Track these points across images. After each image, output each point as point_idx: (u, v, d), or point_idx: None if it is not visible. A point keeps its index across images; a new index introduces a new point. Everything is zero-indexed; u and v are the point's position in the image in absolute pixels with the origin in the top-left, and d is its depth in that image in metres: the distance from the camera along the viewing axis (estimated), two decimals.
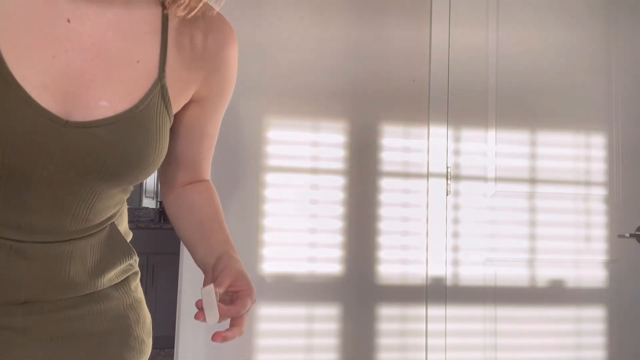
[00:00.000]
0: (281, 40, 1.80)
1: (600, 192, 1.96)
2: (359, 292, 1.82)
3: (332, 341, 1.80)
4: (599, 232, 1.94)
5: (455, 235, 1.87)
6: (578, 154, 1.95)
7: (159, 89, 0.66)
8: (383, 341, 1.82)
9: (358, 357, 1.81)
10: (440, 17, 1.90)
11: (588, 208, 1.95)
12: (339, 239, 1.81)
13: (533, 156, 1.93)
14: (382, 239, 1.83)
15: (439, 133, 1.88)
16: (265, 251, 1.77)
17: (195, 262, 0.77)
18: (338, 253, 1.81)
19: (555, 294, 1.91)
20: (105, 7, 0.63)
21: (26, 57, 0.57)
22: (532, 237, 1.91)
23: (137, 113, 0.63)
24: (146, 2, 0.67)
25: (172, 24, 0.69)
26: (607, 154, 1.97)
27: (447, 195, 1.87)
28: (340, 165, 1.82)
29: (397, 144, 1.86)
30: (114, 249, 0.73)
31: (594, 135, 1.97)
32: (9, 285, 0.64)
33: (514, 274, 1.89)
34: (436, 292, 1.84)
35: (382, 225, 1.84)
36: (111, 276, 0.73)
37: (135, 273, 0.79)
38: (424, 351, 1.83)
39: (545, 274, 1.91)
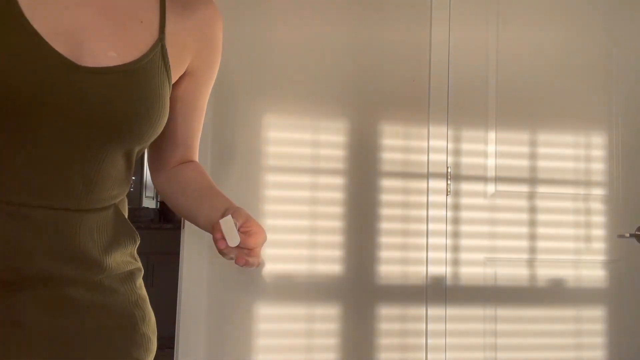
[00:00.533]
0: (281, 40, 1.80)
1: (600, 192, 1.96)
2: (359, 292, 1.82)
3: (332, 341, 1.80)
4: (599, 232, 1.94)
5: (455, 235, 1.87)
6: (578, 154, 1.95)
7: (160, 49, 0.72)
8: (383, 341, 1.82)
9: (358, 357, 1.81)
10: (440, 17, 1.90)
11: (588, 208, 1.95)
12: (339, 239, 1.81)
13: (533, 156, 1.93)
14: (382, 239, 1.83)
15: (439, 133, 1.88)
16: (265, 251, 1.77)
17: (200, 226, 0.81)
18: (338, 253, 1.81)
19: (555, 294, 1.91)
20: None
21: (40, 7, 0.63)
22: (532, 237, 1.91)
23: (142, 65, 0.68)
24: None
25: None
26: (607, 154, 1.97)
27: (447, 195, 1.87)
28: (340, 165, 1.82)
29: (397, 144, 1.86)
30: (119, 229, 0.75)
31: (594, 135, 1.97)
32: (20, 253, 0.64)
33: (514, 274, 1.89)
34: (436, 292, 1.84)
35: (382, 225, 1.84)
36: (118, 260, 0.74)
37: (139, 269, 0.80)
38: (424, 351, 1.83)
39: (545, 274, 1.91)
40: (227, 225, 0.69)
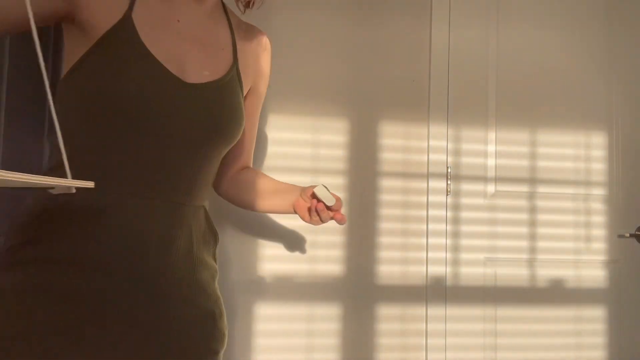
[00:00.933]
0: (281, 40, 1.80)
1: (600, 192, 1.96)
2: (359, 292, 1.82)
3: (332, 341, 1.80)
4: (599, 232, 1.94)
5: (455, 235, 1.87)
6: (578, 154, 1.95)
7: (235, 69, 0.93)
8: (383, 341, 1.82)
9: (358, 357, 1.81)
10: (440, 17, 1.90)
11: (588, 208, 1.95)
12: (339, 239, 1.81)
13: (533, 156, 1.93)
14: (382, 239, 1.83)
15: (439, 133, 1.88)
16: (266, 251, 1.77)
17: (273, 211, 1.06)
18: (338, 253, 1.81)
19: (555, 294, 1.91)
20: (199, 11, 0.90)
21: (156, 42, 0.82)
22: (532, 237, 1.91)
23: (226, 81, 0.89)
24: (216, 6, 0.96)
25: (232, 22, 0.99)
26: (607, 154, 1.97)
27: (447, 195, 1.87)
28: (340, 165, 1.82)
29: (397, 144, 1.86)
30: (208, 229, 0.92)
31: (594, 135, 1.97)
32: (140, 242, 0.79)
33: (514, 274, 1.89)
34: (436, 292, 1.84)
35: (382, 225, 1.84)
36: (206, 258, 0.90)
37: (217, 270, 0.96)
38: (424, 351, 1.83)
39: (545, 274, 1.91)
40: (322, 191, 0.92)
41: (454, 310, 1.85)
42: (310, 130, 1.82)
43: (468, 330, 1.86)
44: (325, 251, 1.80)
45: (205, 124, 0.85)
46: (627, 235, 1.93)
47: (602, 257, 1.94)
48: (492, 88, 1.93)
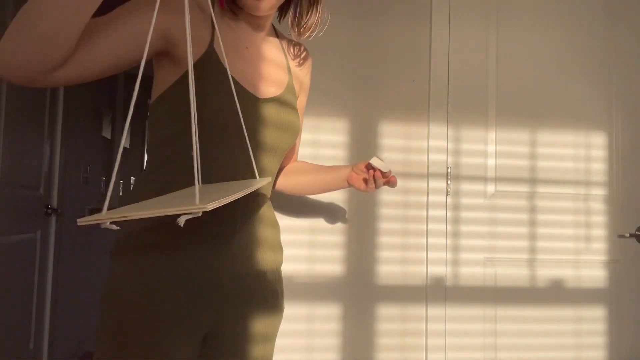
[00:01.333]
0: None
1: (600, 192, 1.96)
2: (359, 292, 1.82)
3: (332, 341, 1.80)
4: (599, 232, 1.94)
5: (455, 235, 1.87)
6: (578, 154, 1.95)
7: (291, 86, 1.13)
8: (383, 341, 1.82)
9: (358, 357, 1.81)
10: (440, 17, 1.90)
11: (588, 208, 1.95)
12: (339, 239, 1.81)
13: (533, 156, 1.93)
14: (382, 239, 1.83)
15: (439, 133, 1.88)
16: None
17: (332, 189, 1.29)
18: (338, 253, 1.81)
19: (555, 294, 1.91)
20: (259, 37, 1.10)
21: (233, 65, 1.02)
22: (532, 237, 1.91)
23: (287, 96, 1.10)
24: (270, 30, 1.14)
25: (284, 45, 1.18)
26: (607, 154, 1.97)
27: (447, 195, 1.87)
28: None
29: (397, 144, 1.86)
30: (271, 215, 1.12)
31: (594, 135, 1.97)
32: (229, 227, 1.01)
33: (514, 274, 1.89)
34: (436, 292, 1.84)
35: (382, 225, 1.84)
36: (275, 239, 1.12)
37: (281, 258, 1.16)
38: (424, 351, 1.83)
39: (545, 274, 1.91)
40: (377, 161, 1.10)
41: (454, 310, 1.85)
42: (311, 130, 1.82)
43: (468, 330, 1.86)
44: (325, 251, 1.80)
45: (276, 130, 1.06)
46: (627, 235, 1.93)
47: (602, 257, 1.94)
48: (492, 88, 1.93)
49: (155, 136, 1.02)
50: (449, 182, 1.88)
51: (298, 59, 1.21)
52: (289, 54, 1.19)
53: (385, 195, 1.85)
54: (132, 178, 5.03)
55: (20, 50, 0.75)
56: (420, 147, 1.87)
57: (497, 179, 1.91)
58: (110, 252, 1.00)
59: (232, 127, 0.99)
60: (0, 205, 2.32)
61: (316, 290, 1.80)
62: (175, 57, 0.98)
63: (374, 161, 1.10)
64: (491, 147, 1.92)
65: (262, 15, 1.05)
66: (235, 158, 1.01)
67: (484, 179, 1.90)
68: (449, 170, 1.88)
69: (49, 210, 2.83)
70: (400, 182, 1.86)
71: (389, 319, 1.83)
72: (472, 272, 1.87)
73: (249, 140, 1.02)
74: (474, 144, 1.90)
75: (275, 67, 1.11)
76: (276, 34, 1.19)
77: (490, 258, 1.89)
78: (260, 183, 0.91)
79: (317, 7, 1.14)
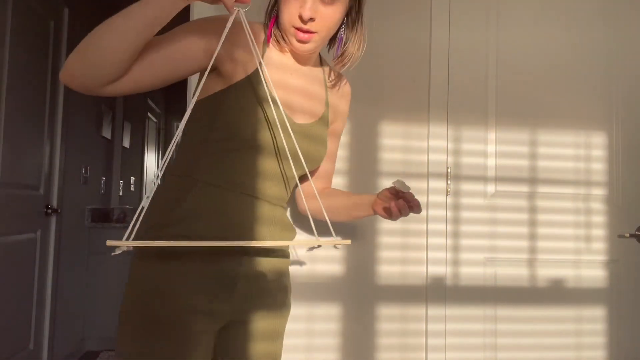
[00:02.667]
0: None
1: (600, 192, 1.96)
2: (359, 292, 1.82)
3: (332, 341, 1.80)
4: (599, 232, 1.94)
5: (455, 235, 1.87)
6: (578, 154, 1.95)
7: (325, 117, 1.23)
8: (383, 341, 1.82)
9: (358, 357, 1.81)
10: (440, 17, 1.90)
11: (588, 208, 1.95)
12: (339, 239, 1.81)
13: (533, 156, 1.93)
14: (382, 239, 1.83)
15: (439, 133, 1.88)
16: None
17: (358, 219, 1.34)
18: (338, 253, 1.81)
19: (555, 294, 1.91)
20: (303, 69, 1.19)
21: (276, 89, 1.12)
22: (532, 237, 1.91)
23: (319, 124, 1.21)
24: (315, 62, 1.23)
25: (326, 78, 1.26)
26: (607, 154, 1.97)
27: (447, 195, 1.87)
28: (340, 165, 1.82)
29: (397, 144, 1.86)
30: (288, 221, 1.20)
31: (594, 135, 1.97)
32: (250, 227, 1.10)
33: (514, 274, 1.90)
34: (436, 292, 1.84)
35: (382, 225, 1.84)
36: (286, 239, 1.19)
37: (289, 256, 1.26)
38: (424, 351, 1.83)
39: (545, 274, 1.91)
40: (401, 183, 1.11)
41: (454, 310, 1.85)
42: None
43: (468, 330, 1.86)
44: (325, 251, 1.80)
45: (305, 151, 1.15)
46: (627, 235, 1.93)
47: (602, 257, 1.94)
48: (492, 88, 1.93)
49: (190, 135, 1.12)
50: (449, 182, 1.88)
51: (337, 88, 1.30)
52: (328, 83, 1.27)
53: None
54: (132, 178, 5.02)
55: (85, 65, 0.91)
56: (420, 147, 1.87)
57: (497, 179, 1.91)
58: (134, 252, 1.09)
59: (264, 142, 1.08)
60: (0, 205, 2.32)
61: (316, 290, 1.80)
62: (222, 72, 1.09)
63: (397, 182, 1.11)
64: (491, 147, 1.92)
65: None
66: (261, 169, 1.12)
67: (484, 179, 1.90)
68: (449, 170, 1.88)
69: (49, 210, 2.83)
70: None
71: (389, 319, 1.83)
72: (472, 272, 1.87)
73: (283, 156, 1.13)
74: (474, 144, 1.90)
75: (312, 99, 1.21)
76: (321, 61, 1.27)
77: (490, 258, 1.89)
78: (278, 244, 1.03)
79: (358, 38, 1.21)
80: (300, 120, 1.17)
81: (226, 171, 1.09)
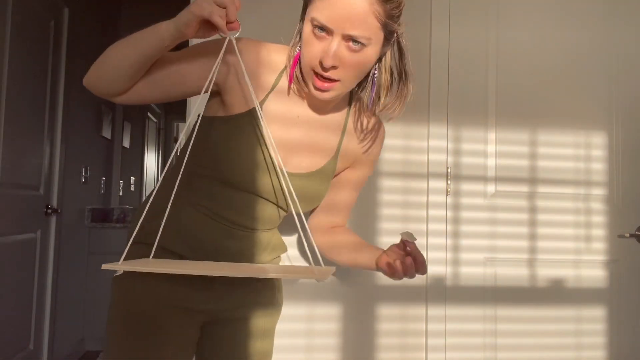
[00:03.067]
0: (281, 40, 1.80)
1: (600, 192, 1.96)
2: (359, 292, 1.82)
3: (332, 341, 1.80)
4: (599, 232, 1.94)
5: (455, 235, 1.87)
6: (578, 154, 1.95)
7: (332, 164, 1.13)
8: (383, 341, 1.82)
9: (358, 357, 1.81)
10: (440, 17, 1.90)
11: (588, 208, 1.95)
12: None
13: (533, 156, 1.93)
14: (382, 239, 1.83)
15: (439, 133, 1.88)
16: None
17: (359, 267, 1.20)
18: None
19: (555, 294, 1.91)
20: (317, 114, 1.10)
21: (274, 130, 1.05)
22: (532, 237, 1.91)
23: (317, 174, 1.11)
24: (340, 106, 1.12)
25: (349, 124, 1.15)
26: (607, 154, 1.97)
27: (447, 195, 1.87)
28: None
29: (397, 144, 1.86)
30: (275, 241, 1.19)
31: (594, 135, 1.97)
32: (230, 254, 1.09)
33: (514, 274, 1.89)
34: (436, 292, 1.84)
35: (382, 225, 1.84)
36: (269, 259, 1.18)
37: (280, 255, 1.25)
38: (424, 351, 1.83)
39: (545, 274, 1.91)
40: (408, 234, 1.03)
41: (454, 310, 1.85)
42: None
43: (468, 330, 1.86)
44: None
45: (298, 197, 1.06)
46: (627, 235, 1.93)
47: (602, 257, 1.94)
48: (492, 88, 1.93)
49: (187, 146, 1.12)
50: (449, 182, 1.88)
51: (363, 134, 1.16)
52: (352, 122, 1.15)
53: (386, 195, 1.85)
54: (132, 178, 5.02)
55: (98, 77, 1.00)
56: (420, 147, 1.87)
57: (497, 179, 1.91)
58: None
59: (247, 186, 1.05)
60: (0, 205, 2.32)
61: (316, 290, 1.80)
62: (224, 101, 1.06)
63: (405, 234, 1.03)
64: (491, 147, 1.92)
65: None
66: (248, 206, 1.08)
67: (484, 179, 1.90)
68: (449, 170, 1.88)
69: (49, 210, 2.83)
70: (400, 182, 1.86)
71: (389, 319, 1.83)
72: (472, 272, 1.87)
73: (262, 199, 1.08)
74: (474, 144, 1.90)
75: (319, 145, 1.11)
76: (350, 99, 1.14)
77: (490, 258, 1.89)
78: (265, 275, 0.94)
79: (398, 91, 1.09)
80: (296, 169, 1.09)
81: (211, 203, 1.07)
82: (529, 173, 1.93)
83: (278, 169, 1.03)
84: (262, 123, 1.01)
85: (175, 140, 6.59)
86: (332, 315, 1.80)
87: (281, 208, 1.12)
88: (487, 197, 1.90)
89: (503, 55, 1.93)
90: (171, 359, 1.07)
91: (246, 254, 1.12)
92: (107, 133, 4.04)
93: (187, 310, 1.08)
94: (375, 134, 1.19)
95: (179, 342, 1.08)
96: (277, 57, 1.06)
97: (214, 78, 0.95)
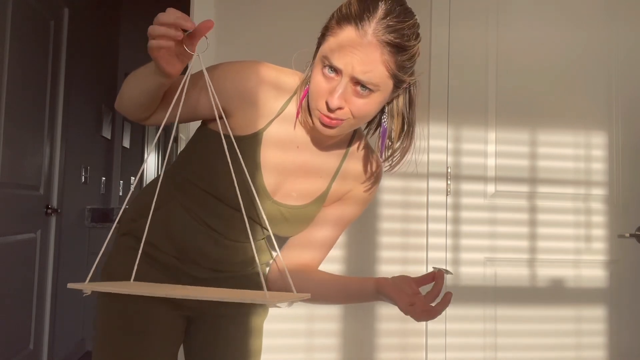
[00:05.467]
0: (282, 41, 1.80)
1: (600, 192, 1.96)
2: None
3: (332, 341, 1.80)
4: (599, 232, 1.94)
5: (455, 235, 1.87)
6: (578, 154, 1.95)
7: (323, 197, 1.11)
8: (383, 341, 1.82)
9: (358, 357, 1.81)
10: (440, 17, 1.90)
11: (588, 208, 1.95)
12: (339, 238, 1.81)
13: (533, 156, 1.93)
14: (382, 239, 1.83)
15: (439, 133, 1.88)
16: None
17: (346, 301, 1.24)
18: (338, 253, 1.81)
19: (555, 294, 1.91)
20: (317, 149, 1.07)
21: (269, 157, 1.05)
22: (532, 237, 1.91)
23: (306, 208, 1.10)
24: (340, 144, 1.10)
25: (346, 164, 1.11)
26: (607, 154, 1.97)
27: (447, 195, 1.87)
28: None
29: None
30: (260, 253, 1.18)
31: (594, 135, 1.97)
32: (213, 260, 1.11)
33: (514, 274, 1.89)
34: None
35: (382, 225, 1.84)
36: (250, 269, 1.19)
37: (266, 266, 1.25)
38: (424, 351, 1.83)
39: (545, 274, 1.91)
40: (444, 270, 0.99)
41: (454, 310, 1.85)
42: None
43: (468, 330, 1.86)
44: None
45: (285, 228, 1.11)
46: (627, 235, 1.93)
47: (602, 257, 1.94)
48: (492, 88, 1.93)
49: (187, 151, 1.14)
50: (449, 182, 1.88)
51: (358, 167, 1.13)
52: (349, 160, 1.11)
53: (386, 195, 1.85)
54: (132, 178, 5.02)
55: (121, 104, 1.05)
56: (420, 147, 1.87)
57: (497, 179, 1.91)
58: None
59: (234, 206, 1.03)
60: (0, 205, 2.32)
61: None
62: (228, 122, 1.03)
63: (442, 270, 0.95)
64: (491, 147, 1.92)
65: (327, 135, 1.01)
66: (233, 219, 1.07)
67: (484, 179, 1.90)
68: (449, 170, 1.88)
69: (49, 210, 2.83)
70: (400, 182, 1.86)
71: (389, 319, 1.83)
72: (472, 272, 1.87)
73: (249, 218, 1.06)
74: (474, 144, 1.90)
75: (313, 178, 1.09)
76: (352, 137, 1.11)
77: (490, 258, 1.89)
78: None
79: (406, 139, 1.06)
80: (286, 199, 1.08)
81: (200, 210, 1.08)
82: (529, 173, 1.93)
83: (256, 197, 0.94)
84: (257, 149, 1.04)
85: (175, 140, 6.59)
86: (332, 315, 1.80)
87: (265, 228, 1.12)
88: (487, 197, 1.90)
89: (503, 55, 1.93)
90: (157, 351, 1.09)
91: (227, 261, 1.13)
92: (107, 133, 4.04)
93: (172, 304, 1.10)
94: (377, 177, 1.17)
95: (164, 333, 1.11)
96: (287, 79, 1.04)
97: (219, 106, 0.90)
